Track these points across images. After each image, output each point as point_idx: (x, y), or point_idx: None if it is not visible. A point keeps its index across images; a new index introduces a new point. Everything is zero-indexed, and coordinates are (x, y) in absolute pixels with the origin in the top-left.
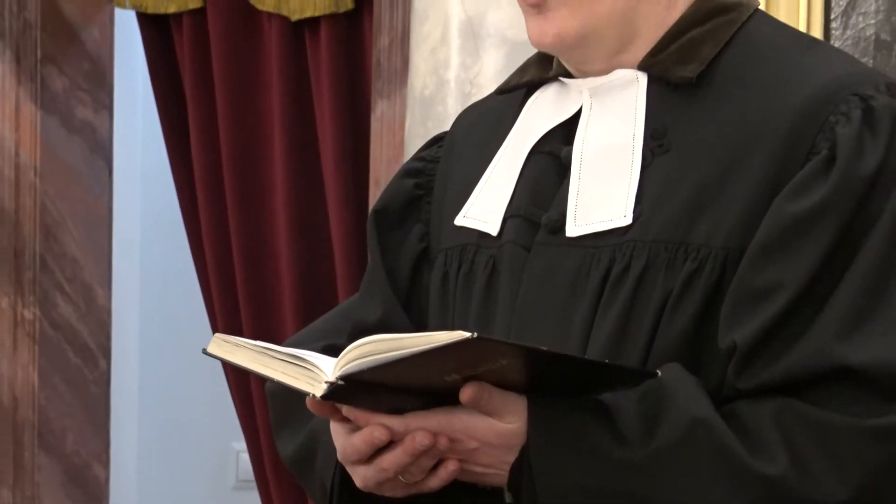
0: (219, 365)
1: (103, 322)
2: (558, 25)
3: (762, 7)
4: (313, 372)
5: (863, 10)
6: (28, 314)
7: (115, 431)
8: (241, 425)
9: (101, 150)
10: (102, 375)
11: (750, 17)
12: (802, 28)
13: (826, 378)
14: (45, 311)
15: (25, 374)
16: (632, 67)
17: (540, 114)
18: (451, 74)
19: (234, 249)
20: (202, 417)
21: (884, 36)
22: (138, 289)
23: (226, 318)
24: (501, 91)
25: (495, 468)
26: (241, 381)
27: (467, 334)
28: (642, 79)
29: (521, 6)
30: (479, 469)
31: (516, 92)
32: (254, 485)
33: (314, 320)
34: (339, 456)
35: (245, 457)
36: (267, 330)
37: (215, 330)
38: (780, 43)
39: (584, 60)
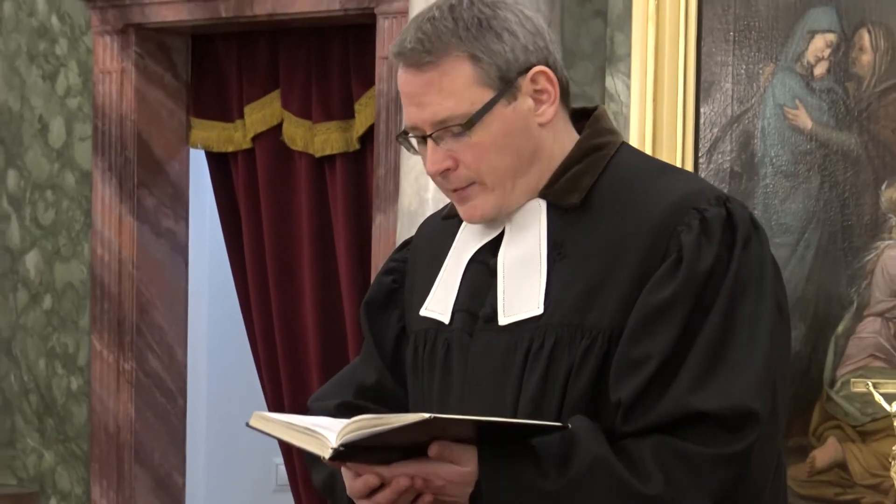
0: (265, 404)
1: (181, 372)
2: (480, 210)
3: (650, 148)
4: (322, 441)
5: (721, 150)
6: (127, 366)
7: (190, 450)
8: (279, 445)
9: (180, 250)
10: (181, 410)
11: (617, 150)
12: (678, 161)
13: (687, 420)
14: (140, 364)
15: (125, 409)
16: (535, 196)
17: (474, 234)
18: (430, 195)
19: (275, 321)
20: (251, 439)
21: (736, 168)
22: (206, 349)
23: (269, 370)
24: (446, 217)
25: (459, 498)
26: None
27: (427, 416)
28: (543, 205)
29: (448, 197)
30: (447, 500)
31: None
32: (288, 489)
33: (332, 372)
34: (347, 492)
35: (282, 468)
36: (297, 378)
37: (261, 377)
38: (640, 168)
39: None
